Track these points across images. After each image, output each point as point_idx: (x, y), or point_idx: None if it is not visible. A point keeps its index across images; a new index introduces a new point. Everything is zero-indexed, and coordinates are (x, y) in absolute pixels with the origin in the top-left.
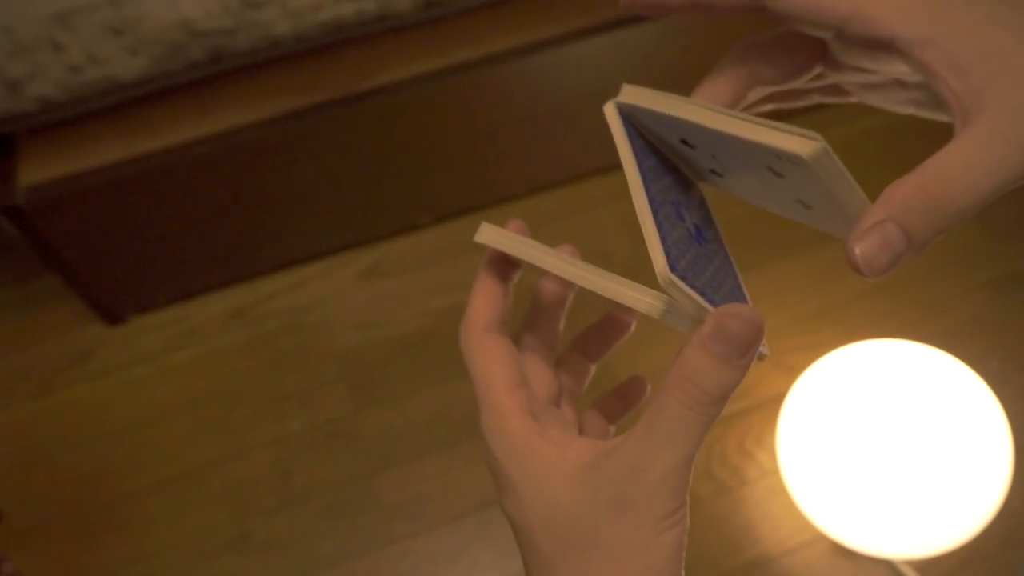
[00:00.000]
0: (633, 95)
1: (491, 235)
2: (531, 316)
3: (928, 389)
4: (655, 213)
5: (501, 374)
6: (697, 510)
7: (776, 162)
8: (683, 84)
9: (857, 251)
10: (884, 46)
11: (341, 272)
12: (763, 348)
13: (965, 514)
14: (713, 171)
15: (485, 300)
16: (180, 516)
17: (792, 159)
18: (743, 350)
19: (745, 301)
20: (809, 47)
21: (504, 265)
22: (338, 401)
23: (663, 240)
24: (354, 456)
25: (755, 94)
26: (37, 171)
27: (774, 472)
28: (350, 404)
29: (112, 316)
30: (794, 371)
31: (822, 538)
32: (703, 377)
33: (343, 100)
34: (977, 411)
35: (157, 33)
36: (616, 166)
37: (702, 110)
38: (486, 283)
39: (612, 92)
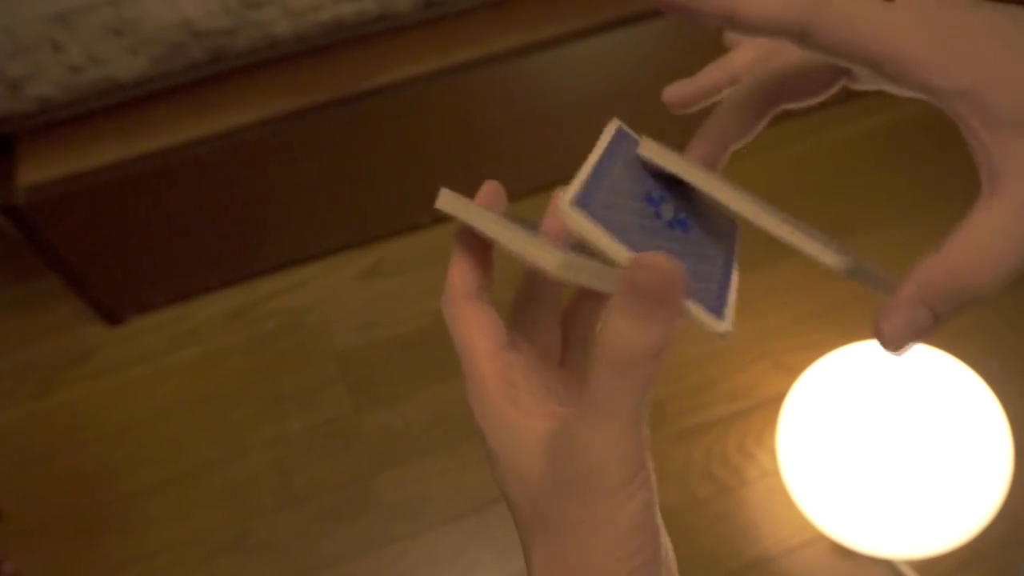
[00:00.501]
0: (653, 151)
1: (447, 202)
2: (532, 272)
3: (928, 389)
4: (596, 177)
5: (481, 342)
6: (697, 510)
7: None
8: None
9: (885, 329)
10: (918, 89)
11: (341, 272)
12: (699, 311)
13: (965, 514)
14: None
15: (461, 267)
16: (180, 516)
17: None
18: (658, 303)
19: (724, 306)
20: (834, 70)
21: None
22: (338, 401)
23: (586, 183)
24: (354, 456)
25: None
26: (37, 171)
27: (774, 472)
28: (350, 404)
29: (112, 316)
30: (794, 371)
31: (822, 538)
32: (623, 338)
33: (343, 100)
34: (977, 411)
35: (157, 33)
36: None
37: (733, 192)
38: (461, 250)
39: (612, 92)
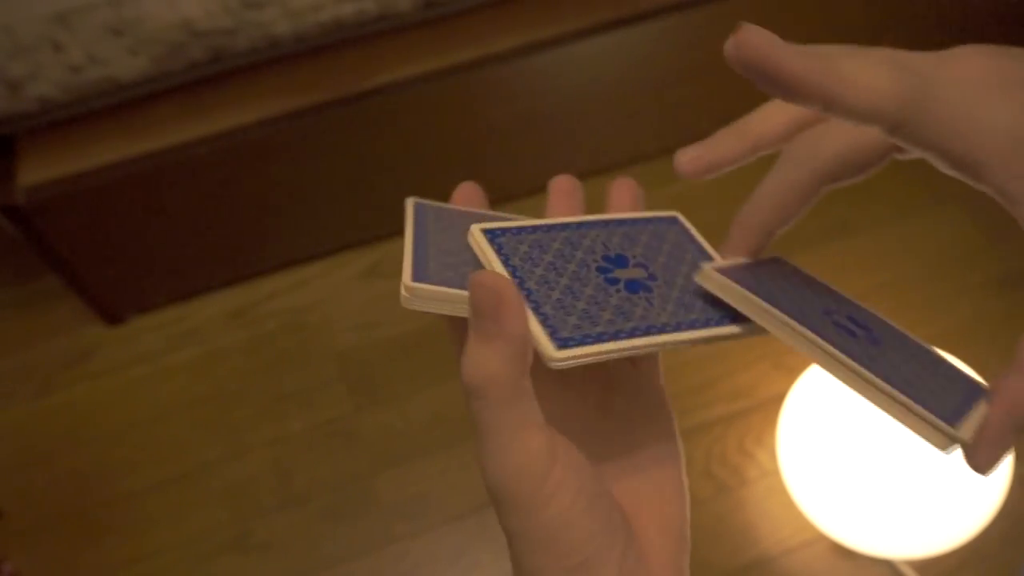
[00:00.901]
0: (714, 284)
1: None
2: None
3: None
4: (418, 252)
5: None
6: (697, 510)
7: None
8: (683, 84)
9: (982, 463)
10: (989, 187)
11: (341, 272)
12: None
13: (965, 514)
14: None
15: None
16: (180, 516)
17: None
18: (493, 320)
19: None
20: (890, 147)
21: None
22: (338, 401)
23: (413, 261)
24: (354, 456)
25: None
26: (37, 171)
27: (774, 472)
28: (350, 404)
29: (112, 316)
30: (794, 371)
31: (822, 538)
32: (470, 361)
33: (343, 100)
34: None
35: (157, 33)
36: (615, 166)
37: (813, 342)
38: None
39: (612, 92)
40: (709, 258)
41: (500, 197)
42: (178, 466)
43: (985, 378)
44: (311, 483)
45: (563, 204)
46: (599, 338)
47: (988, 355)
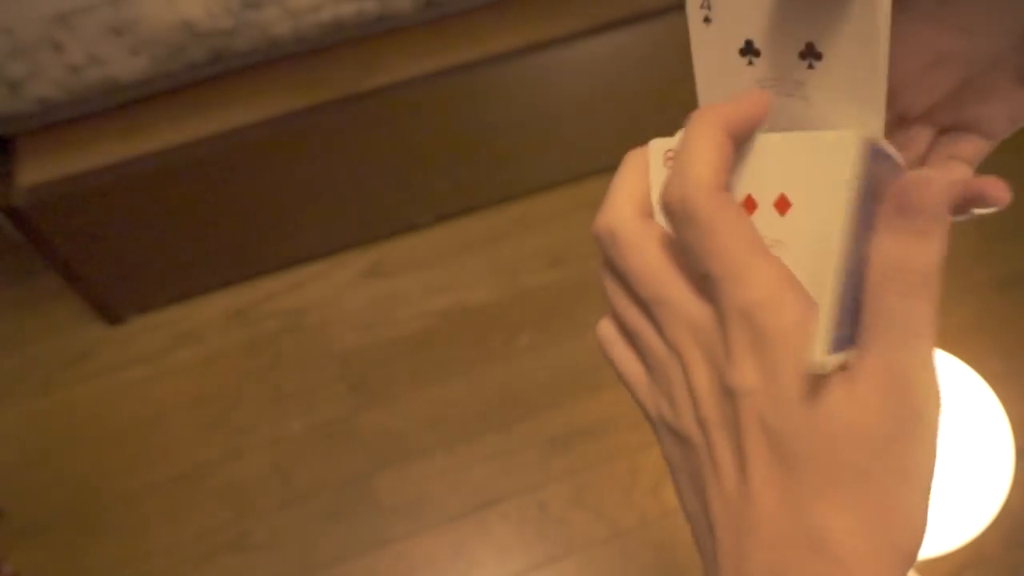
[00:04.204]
0: None
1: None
2: None
3: None
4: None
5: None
6: None
7: None
8: (684, 84)
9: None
10: None
11: (341, 272)
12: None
13: (966, 515)
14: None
15: (717, 155)
16: (180, 516)
17: None
18: (936, 215)
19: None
20: None
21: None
22: (338, 401)
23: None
24: (354, 456)
25: None
26: (37, 171)
27: None
28: (350, 404)
29: (112, 316)
30: None
31: None
32: (912, 259)
33: (343, 100)
34: (978, 411)
35: (157, 33)
36: (615, 166)
37: None
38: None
39: (612, 92)
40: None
41: (500, 197)
42: (178, 466)
43: (986, 380)
44: (311, 483)
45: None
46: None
47: (988, 355)
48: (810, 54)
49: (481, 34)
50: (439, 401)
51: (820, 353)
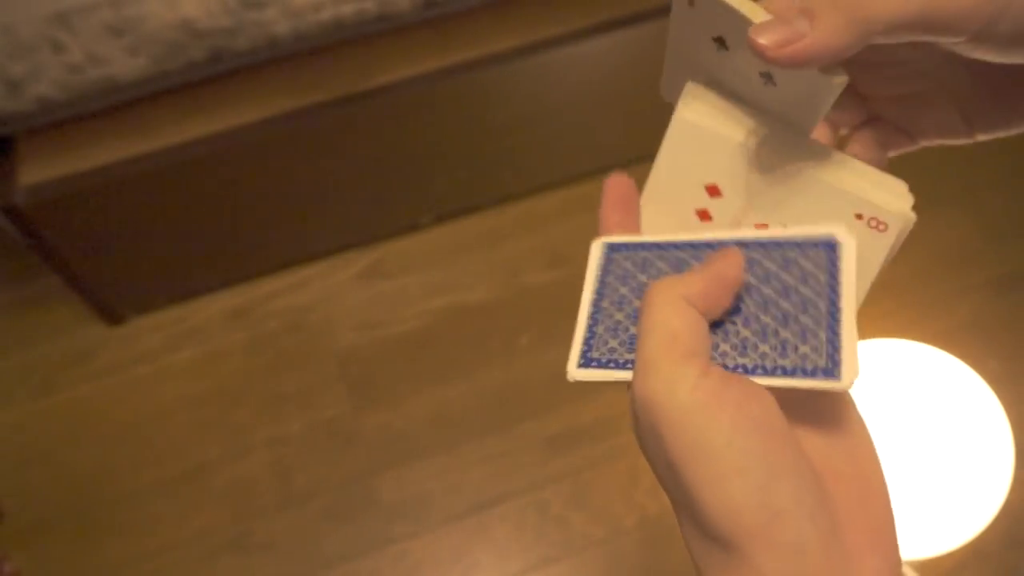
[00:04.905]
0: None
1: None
2: None
3: (928, 389)
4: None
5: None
6: None
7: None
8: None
9: (752, 31)
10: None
11: (341, 272)
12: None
13: (966, 514)
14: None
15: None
16: (180, 516)
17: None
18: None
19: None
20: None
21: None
22: (338, 401)
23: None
24: (354, 456)
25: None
26: (37, 171)
27: None
28: (350, 404)
29: (112, 316)
30: None
31: None
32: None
33: (343, 100)
34: (978, 411)
35: (157, 33)
36: (615, 166)
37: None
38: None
39: (612, 92)
40: (837, 316)
41: (500, 197)
42: (178, 466)
43: (986, 380)
44: (311, 483)
45: (615, 214)
46: (623, 365)
47: (988, 355)
48: (767, 79)
49: (481, 34)
50: (439, 401)
51: (570, 366)
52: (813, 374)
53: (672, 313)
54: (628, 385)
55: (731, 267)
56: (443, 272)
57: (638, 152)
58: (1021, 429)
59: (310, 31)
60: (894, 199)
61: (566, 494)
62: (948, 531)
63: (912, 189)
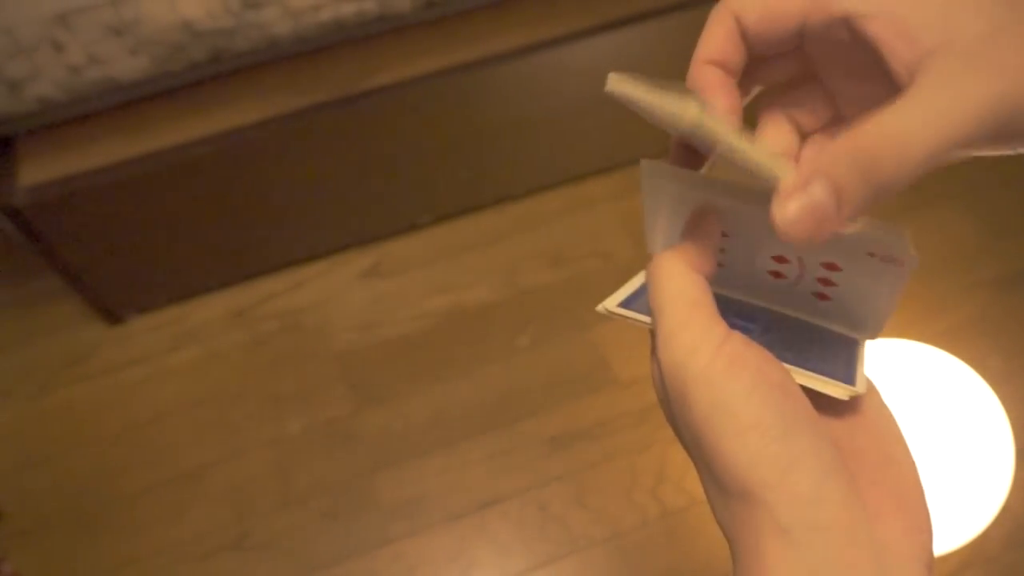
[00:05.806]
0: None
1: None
2: None
3: (929, 389)
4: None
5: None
6: (697, 510)
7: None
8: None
9: (778, 216)
10: (840, 25)
11: (341, 272)
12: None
13: (967, 515)
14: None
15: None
16: (180, 516)
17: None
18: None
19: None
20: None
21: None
22: (337, 401)
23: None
24: (353, 456)
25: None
26: (37, 171)
27: None
28: (349, 404)
29: (112, 316)
30: None
31: None
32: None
33: (343, 100)
34: (978, 411)
35: (157, 33)
36: (615, 166)
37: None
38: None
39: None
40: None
41: (500, 197)
42: (178, 466)
43: (987, 380)
44: (311, 483)
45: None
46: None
47: (988, 355)
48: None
49: (481, 34)
50: (439, 401)
51: (608, 302)
52: (832, 375)
53: (688, 283)
54: (651, 354)
55: (708, 224)
56: (443, 272)
57: (638, 152)
58: (1021, 429)
59: (310, 31)
60: (896, 239)
61: (566, 494)
62: (949, 531)
63: (913, 187)
